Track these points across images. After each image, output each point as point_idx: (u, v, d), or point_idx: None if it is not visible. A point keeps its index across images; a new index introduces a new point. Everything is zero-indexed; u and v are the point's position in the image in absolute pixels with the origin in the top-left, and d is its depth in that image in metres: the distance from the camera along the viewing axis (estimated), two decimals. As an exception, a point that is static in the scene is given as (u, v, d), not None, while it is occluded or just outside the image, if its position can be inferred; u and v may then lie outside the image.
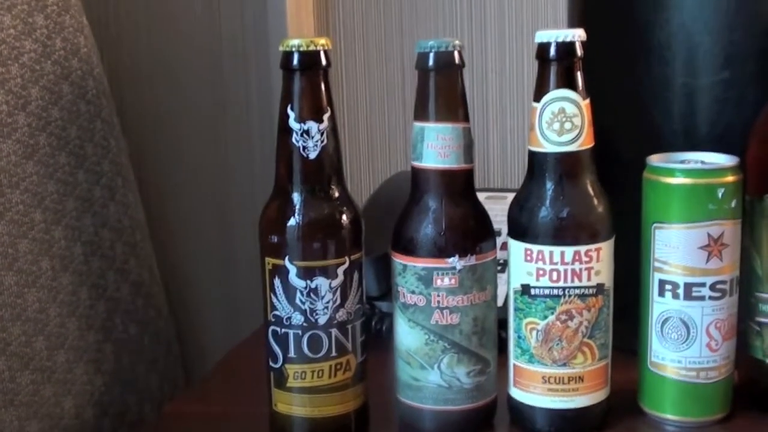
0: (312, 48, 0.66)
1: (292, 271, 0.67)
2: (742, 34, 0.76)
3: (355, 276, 0.69)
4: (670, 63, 0.78)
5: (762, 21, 0.76)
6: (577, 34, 0.68)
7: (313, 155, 0.67)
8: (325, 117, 0.67)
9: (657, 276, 0.71)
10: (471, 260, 0.69)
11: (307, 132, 0.67)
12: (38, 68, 0.86)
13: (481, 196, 0.74)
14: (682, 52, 0.77)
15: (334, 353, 0.69)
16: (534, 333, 0.70)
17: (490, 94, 1.16)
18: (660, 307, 0.71)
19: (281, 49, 0.67)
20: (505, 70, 1.15)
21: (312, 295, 0.67)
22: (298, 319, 0.68)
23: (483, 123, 1.16)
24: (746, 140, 0.73)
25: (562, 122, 0.68)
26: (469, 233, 0.69)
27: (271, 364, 0.70)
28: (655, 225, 0.70)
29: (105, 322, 0.92)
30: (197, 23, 1.12)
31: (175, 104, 1.13)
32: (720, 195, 0.68)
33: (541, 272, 0.69)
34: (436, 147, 0.68)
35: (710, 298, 0.70)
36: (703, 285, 0.70)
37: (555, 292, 0.69)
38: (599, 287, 0.69)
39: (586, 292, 0.69)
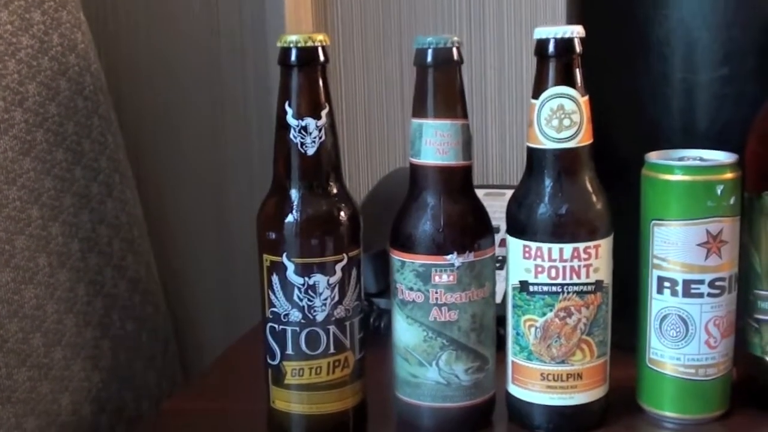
0: (310, 44, 0.66)
1: (290, 267, 0.67)
2: (741, 30, 0.76)
3: (353, 273, 0.69)
4: (668, 59, 0.78)
5: (761, 17, 0.76)
6: (576, 31, 0.67)
7: (311, 152, 0.67)
8: (323, 113, 0.67)
9: (656, 273, 0.71)
10: (469, 257, 0.68)
11: (305, 128, 0.67)
12: (35, 64, 0.86)
13: (480, 193, 0.73)
14: (681, 48, 0.77)
15: (332, 350, 0.68)
16: (532, 330, 0.70)
17: (488, 90, 1.16)
18: (659, 304, 0.71)
19: (279, 45, 0.67)
20: (503, 66, 1.15)
21: (310, 291, 0.67)
22: (295, 316, 0.68)
23: (481, 119, 1.16)
24: (745, 137, 0.73)
25: (561, 119, 0.67)
26: (468, 230, 0.69)
27: (268, 361, 0.70)
28: (653, 222, 0.70)
29: (102, 318, 0.92)
30: (195, 19, 1.11)
31: (172, 100, 1.13)
32: (719, 192, 0.68)
33: (539, 269, 0.69)
34: (434, 143, 0.68)
35: (709, 295, 0.70)
36: (701, 282, 0.69)
37: (553, 289, 0.69)
38: (598, 284, 0.69)
39: (585, 289, 0.69)
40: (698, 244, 0.69)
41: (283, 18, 1.08)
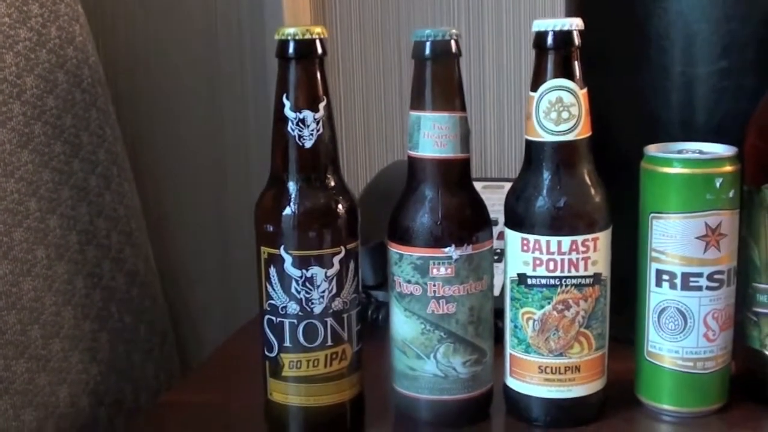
0: (307, 36, 0.66)
1: (288, 260, 0.67)
2: (740, 23, 0.75)
3: (351, 265, 0.69)
4: (668, 52, 0.77)
5: (760, 10, 0.75)
6: (575, 23, 0.67)
7: (308, 144, 0.67)
8: (321, 106, 0.67)
9: (654, 266, 0.70)
10: (467, 250, 0.68)
11: (303, 121, 0.66)
12: (33, 57, 0.86)
13: (479, 186, 0.73)
14: (680, 41, 0.77)
15: (329, 342, 0.68)
16: (530, 323, 0.70)
17: (487, 83, 1.16)
18: (657, 297, 0.71)
19: (277, 37, 0.67)
20: (502, 59, 1.15)
21: (307, 284, 0.67)
22: (293, 308, 0.68)
23: (480, 112, 1.16)
24: (744, 130, 0.73)
25: (560, 111, 0.67)
26: (466, 223, 0.69)
27: (266, 353, 0.70)
28: (652, 215, 0.70)
29: (100, 311, 0.92)
30: (193, 13, 1.11)
31: (171, 93, 1.13)
32: (718, 185, 0.68)
33: (537, 262, 0.69)
34: (432, 136, 0.68)
35: (708, 288, 0.70)
36: (700, 275, 0.69)
37: (552, 281, 0.69)
38: (596, 277, 0.69)
39: (583, 281, 0.69)
40: (697, 237, 0.69)
41: (281, 11, 1.08)
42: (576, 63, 0.68)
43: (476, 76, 1.16)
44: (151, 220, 1.08)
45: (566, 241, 0.68)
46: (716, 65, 0.76)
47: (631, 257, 0.72)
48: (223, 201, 1.15)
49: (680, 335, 0.70)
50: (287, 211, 0.67)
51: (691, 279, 0.69)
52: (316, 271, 0.67)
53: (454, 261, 0.68)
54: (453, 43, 0.67)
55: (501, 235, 0.72)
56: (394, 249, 0.70)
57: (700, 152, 0.70)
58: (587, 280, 0.69)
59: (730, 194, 0.69)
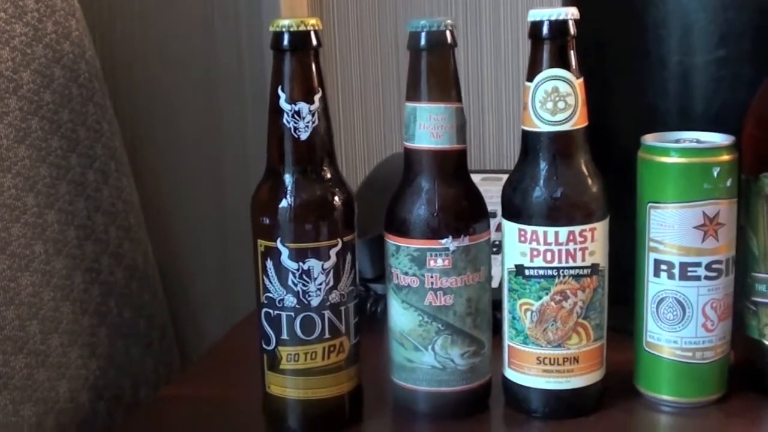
0: (302, 28, 0.66)
1: (284, 253, 0.67)
2: (737, 12, 0.75)
3: (348, 258, 0.68)
4: (665, 41, 0.77)
5: (757, -2, 0.75)
6: (570, 13, 0.67)
7: (304, 136, 0.67)
8: (316, 98, 0.67)
9: (652, 256, 0.70)
10: (464, 241, 0.68)
11: (298, 113, 0.66)
12: (29, 52, 0.86)
13: (477, 178, 0.73)
14: (678, 30, 0.77)
15: (327, 335, 0.68)
16: (528, 314, 0.69)
17: (485, 74, 1.15)
18: (655, 287, 0.71)
19: (271, 29, 0.66)
20: (500, 50, 1.15)
21: (304, 277, 0.67)
22: (290, 301, 0.67)
23: (478, 104, 1.16)
24: (742, 119, 0.73)
25: (556, 101, 0.67)
26: (463, 214, 0.69)
27: (264, 346, 0.70)
28: (650, 204, 0.70)
29: (99, 306, 0.92)
30: (191, 5, 1.11)
31: (168, 88, 1.13)
32: (715, 174, 0.68)
33: (535, 253, 0.68)
34: (428, 127, 0.68)
35: (706, 278, 0.69)
36: (698, 265, 0.69)
37: (549, 272, 0.68)
38: (594, 267, 0.69)
39: (581, 272, 0.68)
40: (695, 227, 0.69)
41: (278, 3, 1.08)
42: (572, 52, 0.67)
43: (474, 68, 1.15)
44: (149, 214, 1.08)
45: (563, 231, 0.68)
46: (714, 54, 0.76)
47: (629, 247, 0.72)
48: (222, 194, 1.15)
49: (679, 325, 0.70)
50: (283, 203, 0.67)
51: (690, 269, 0.69)
52: (313, 264, 0.67)
53: (451, 252, 0.68)
54: (448, 33, 0.67)
55: (500, 227, 0.72)
56: (392, 241, 0.70)
57: (698, 141, 0.70)
58: (585, 271, 0.68)
59: (728, 183, 0.69)
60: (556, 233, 0.68)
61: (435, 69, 0.68)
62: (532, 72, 0.68)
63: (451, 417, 0.71)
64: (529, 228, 0.68)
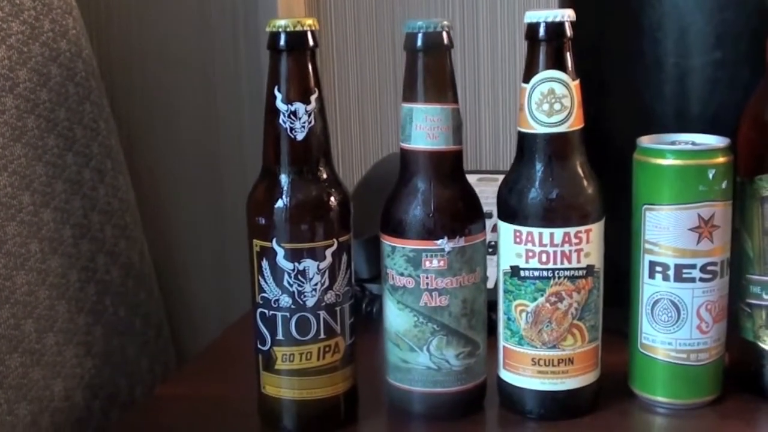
0: (299, 28, 0.66)
1: (280, 253, 0.67)
2: (734, 13, 0.75)
3: (344, 258, 0.69)
4: (661, 43, 0.77)
5: (753, 0, 0.75)
6: (567, 14, 0.67)
7: (300, 136, 0.67)
8: (313, 98, 0.67)
9: (647, 258, 0.70)
10: (460, 242, 0.68)
11: (294, 113, 0.66)
12: (26, 50, 0.85)
13: (473, 178, 0.73)
14: (674, 32, 0.77)
15: (322, 335, 0.68)
16: (524, 315, 0.70)
17: (482, 76, 1.15)
18: (650, 288, 0.71)
19: (268, 29, 0.66)
20: (497, 52, 1.15)
21: (300, 277, 0.67)
22: (286, 301, 0.67)
23: (474, 105, 1.16)
24: (738, 121, 0.73)
25: (552, 103, 0.67)
26: (458, 215, 0.69)
27: (259, 346, 0.70)
28: (645, 206, 0.70)
29: (95, 304, 0.92)
30: (188, 4, 1.11)
31: (165, 86, 1.13)
32: (711, 176, 0.68)
33: (530, 254, 0.68)
34: (424, 128, 0.68)
35: (701, 279, 0.69)
36: (693, 267, 0.69)
37: (544, 273, 0.68)
38: (589, 269, 0.69)
39: (576, 273, 0.69)
40: (690, 229, 0.69)
41: (275, 4, 1.08)
42: (568, 54, 0.67)
43: (471, 69, 1.15)
44: (146, 213, 1.08)
45: (559, 233, 0.68)
46: (710, 56, 0.76)
47: (624, 249, 0.72)
48: (218, 194, 1.15)
49: (673, 327, 0.70)
50: (279, 203, 0.67)
51: (684, 271, 0.69)
52: (309, 264, 0.67)
53: (446, 253, 0.68)
54: (445, 34, 0.67)
55: (495, 228, 0.72)
56: (387, 241, 0.70)
57: (693, 143, 0.70)
58: (580, 272, 0.69)
59: (723, 185, 0.69)
60: (552, 234, 0.68)
61: (431, 70, 0.68)
62: (529, 73, 0.68)
63: (446, 418, 0.71)
64: (524, 229, 0.69)
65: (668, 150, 0.69)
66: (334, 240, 0.68)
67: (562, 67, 0.67)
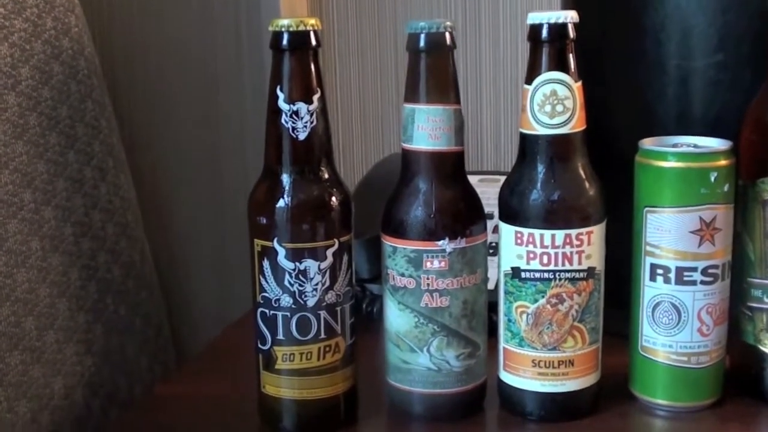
0: (301, 28, 0.66)
1: (281, 252, 0.67)
2: (736, 15, 0.75)
3: (345, 258, 0.68)
4: (664, 45, 0.77)
5: (756, 2, 0.75)
6: (570, 16, 0.67)
7: (302, 136, 0.67)
8: (315, 98, 0.67)
9: (648, 260, 0.70)
10: (461, 243, 0.68)
11: (297, 113, 0.66)
12: (28, 48, 0.85)
13: (475, 179, 0.73)
14: (676, 33, 0.77)
15: (322, 335, 0.68)
16: (524, 316, 0.69)
17: (483, 76, 1.15)
18: (651, 291, 0.71)
19: (271, 29, 0.66)
20: (499, 52, 1.15)
21: (301, 277, 0.67)
22: (286, 301, 0.67)
23: (476, 106, 1.16)
24: (740, 124, 0.73)
25: (554, 104, 0.67)
26: (459, 216, 0.69)
27: (259, 346, 0.70)
28: (646, 209, 0.70)
29: (96, 303, 0.92)
30: (190, 5, 1.11)
31: (167, 85, 1.13)
32: (712, 179, 0.68)
33: (531, 255, 0.68)
34: (426, 129, 0.68)
35: (702, 282, 0.69)
36: (694, 269, 0.69)
37: (545, 275, 0.68)
38: (590, 271, 0.69)
39: (577, 275, 0.68)
40: (691, 232, 0.69)
41: (277, 2, 1.08)
42: (571, 56, 0.67)
43: (473, 70, 1.15)
44: (147, 211, 1.08)
45: (560, 234, 0.68)
46: (712, 58, 0.76)
47: (625, 251, 0.72)
48: (219, 193, 1.15)
49: (674, 330, 0.70)
50: (280, 203, 0.67)
51: (686, 273, 0.69)
52: (310, 264, 0.67)
53: (447, 254, 0.68)
54: (447, 35, 0.67)
55: (497, 229, 0.72)
56: (388, 242, 0.70)
57: (695, 146, 0.70)
58: (581, 274, 0.68)
59: (725, 188, 0.68)
60: (553, 236, 0.68)
61: (434, 71, 0.68)
62: (531, 75, 0.68)
63: (446, 419, 0.71)
64: (525, 230, 0.68)
65: (670, 152, 0.69)
66: (335, 240, 0.68)
67: (564, 68, 0.67)
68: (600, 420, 0.71)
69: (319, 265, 0.67)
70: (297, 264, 0.67)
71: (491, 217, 0.73)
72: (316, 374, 0.69)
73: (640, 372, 0.73)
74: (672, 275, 0.69)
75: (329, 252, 0.67)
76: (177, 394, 0.80)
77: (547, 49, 0.67)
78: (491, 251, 0.76)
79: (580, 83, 0.68)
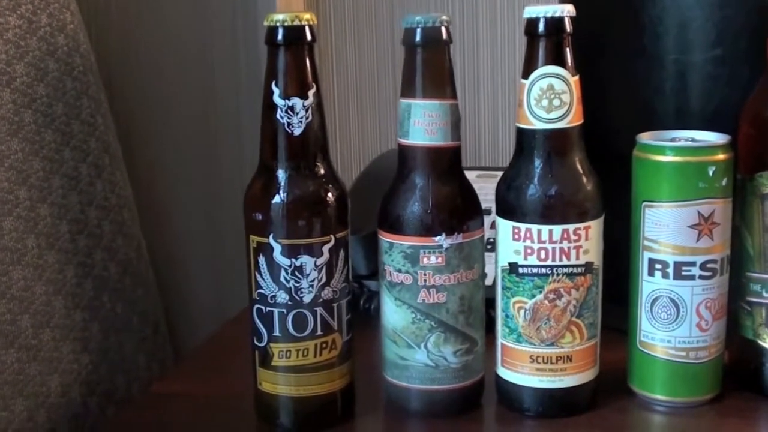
0: (296, 23, 0.65)
1: (277, 249, 0.66)
2: (734, 9, 0.75)
3: (341, 254, 0.68)
4: (662, 39, 0.77)
5: (754, -3, 0.75)
6: (566, 10, 0.67)
7: (297, 132, 0.66)
8: (310, 93, 0.66)
9: (647, 255, 0.70)
10: (458, 238, 0.68)
11: (292, 108, 0.66)
12: (23, 44, 0.85)
13: (472, 175, 0.73)
14: (674, 28, 0.76)
15: (319, 332, 0.68)
16: (522, 312, 0.69)
17: (481, 72, 1.15)
18: (650, 286, 0.70)
19: (266, 24, 0.66)
20: (497, 47, 1.14)
21: (297, 273, 0.67)
22: (282, 297, 0.67)
23: (474, 101, 1.15)
24: (738, 118, 0.72)
25: (551, 99, 0.67)
26: (456, 211, 0.68)
27: (255, 342, 0.69)
28: (645, 203, 0.69)
29: (92, 300, 0.91)
30: (186, 0, 1.10)
31: (164, 82, 1.12)
32: (711, 173, 0.68)
33: (529, 251, 0.68)
34: (422, 124, 0.67)
35: (700, 277, 0.69)
36: (693, 264, 0.69)
37: (543, 270, 0.68)
38: (588, 266, 0.68)
39: (575, 270, 0.68)
40: (690, 226, 0.68)
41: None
42: (567, 50, 0.67)
43: (470, 65, 1.15)
44: (143, 208, 1.08)
45: (557, 229, 0.67)
46: (710, 53, 0.76)
47: (623, 246, 0.71)
48: (216, 189, 1.15)
49: (673, 325, 0.70)
50: (276, 199, 0.67)
51: (684, 268, 0.69)
52: (306, 260, 0.67)
53: (444, 250, 0.68)
54: (443, 29, 0.67)
55: (495, 225, 0.72)
56: (385, 238, 0.69)
57: (693, 140, 0.70)
58: (579, 269, 0.68)
59: (723, 182, 0.68)
60: (550, 231, 0.67)
61: (430, 65, 0.67)
62: (528, 69, 0.68)
63: (444, 415, 0.71)
64: (523, 226, 0.68)
65: (668, 147, 0.68)
66: (331, 236, 0.67)
67: (561, 62, 0.67)
68: (598, 416, 0.71)
69: (315, 261, 0.67)
70: (293, 260, 0.66)
71: (489, 212, 0.73)
72: (313, 371, 0.69)
73: (638, 367, 0.73)
74: (670, 270, 0.69)
75: (325, 248, 0.67)
76: (174, 392, 0.80)
77: (543, 43, 0.67)
78: (489, 247, 0.75)
79: (577, 77, 0.67)
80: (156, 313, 1.05)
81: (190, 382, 0.82)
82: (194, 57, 1.12)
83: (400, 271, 0.69)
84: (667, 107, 0.78)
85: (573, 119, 0.67)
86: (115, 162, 0.99)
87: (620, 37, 0.79)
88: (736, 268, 0.72)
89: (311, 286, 0.67)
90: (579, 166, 0.68)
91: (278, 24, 0.65)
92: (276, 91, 0.66)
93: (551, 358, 0.69)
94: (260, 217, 0.67)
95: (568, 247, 0.68)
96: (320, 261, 0.67)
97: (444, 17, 0.67)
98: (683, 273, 0.69)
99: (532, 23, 0.67)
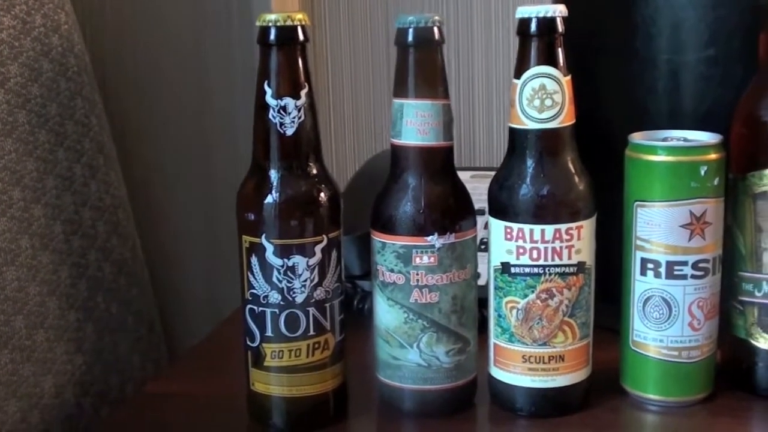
0: (289, 23, 0.65)
1: (269, 249, 0.66)
2: (728, 10, 0.75)
3: (334, 254, 0.68)
4: (654, 39, 0.77)
5: (746, -3, 0.75)
6: (558, 10, 0.67)
7: (290, 132, 0.66)
8: (303, 93, 0.66)
9: (639, 254, 0.70)
10: (450, 238, 0.68)
11: (284, 108, 0.66)
12: (17, 45, 0.85)
13: (466, 175, 0.73)
14: (667, 28, 0.76)
15: (311, 332, 0.68)
16: (514, 312, 0.69)
17: (476, 71, 1.15)
18: (642, 285, 0.70)
19: (258, 24, 0.66)
20: (491, 48, 1.14)
21: (289, 273, 0.67)
22: (275, 297, 0.67)
23: (468, 101, 1.16)
24: (731, 118, 0.72)
25: (543, 99, 0.67)
26: (449, 211, 0.68)
27: (248, 343, 0.69)
28: (637, 203, 0.69)
29: (86, 301, 0.91)
30: (181, 1, 1.10)
31: (157, 82, 1.13)
32: (703, 173, 0.68)
33: (521, 250, 0.68)
34: (415, 124, 0.67)
35: (692, 276, 0.69)
36: (685, 264, 0.69)
37: (535, 270, 0.68)
38: (580, 266, 0.68)
39: (567, 270, 0.68)
40: (681, 226, 0.68)
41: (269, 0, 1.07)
42: (559, 50, 0.67)
43: (465, 65, 1.15)
44: (138, 209, 1.08)
45: (550, 229, 0.67)
46: (703, 53, 0.76)
47: (615, 246, 0.71)
48: (211, 190, 1.15)
49: (665, 324, 0.70)
50: (268, 199, 0.67)
51: (676, 268, 0.69)
52: (298, 260, 0.67)
53: (437, 249, 0.68)
54: (436, 29, 0.67)
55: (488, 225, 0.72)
56: (377, 238, 0.70)
57: (685, 140, 0.70)
58: (571, 269, 0.68)
59: (715, 182, 0.68)
60: (543, 231, 0.68)
61: (422, 65, 0.67)
62: (520, 69, 0.68)
63: (437, 415, 0.71)
64: (515, 225, 0.68)
65: (660, 146, 0.68)
66: (324, 236, 0.67)
67: (553, 62, 0.67)
68: (591, 415, 0.71)
69: (307, 262, 0.67)
70: (285, 260, 0.66)
71: (482, 213, 0.73)
72: (306, 371, 0.69)
73: (631, 367, 0.73)
74: (662, 269, 0.69)
75: (318, 248, 0.67)
76: (169, 392, 0.80)
77: (535, 43, 0.67)
78: (482, 247, 0.75)
79: (569, 77, 0.67)
80: (151, 312, 1.05)
81: (184, 382, 0.82)
82: (189, 57, 1.12)
83: (392, 271, 0.69)
84: (660, 107, 0.78)
85: (565, 119, 0.67)
86: (109, 162, 0.99)
87: (613, 37, 0.80)
88: (728, 267, 0.72)
89: (303, 286, 0.67)
90: (571, 166, 0.68)
91: (270, 24, 0.65)
92: (268, 91, 0.66)
93: (543, 357, 0.69)
94: (252, 217, 0.67)
95: (561, 247, 0.68)
96: (312, 261, 0.67)
97: (436, 17, 0.67)
98: (675, 272, 0.69)
99: (524, 23, 0.67)
